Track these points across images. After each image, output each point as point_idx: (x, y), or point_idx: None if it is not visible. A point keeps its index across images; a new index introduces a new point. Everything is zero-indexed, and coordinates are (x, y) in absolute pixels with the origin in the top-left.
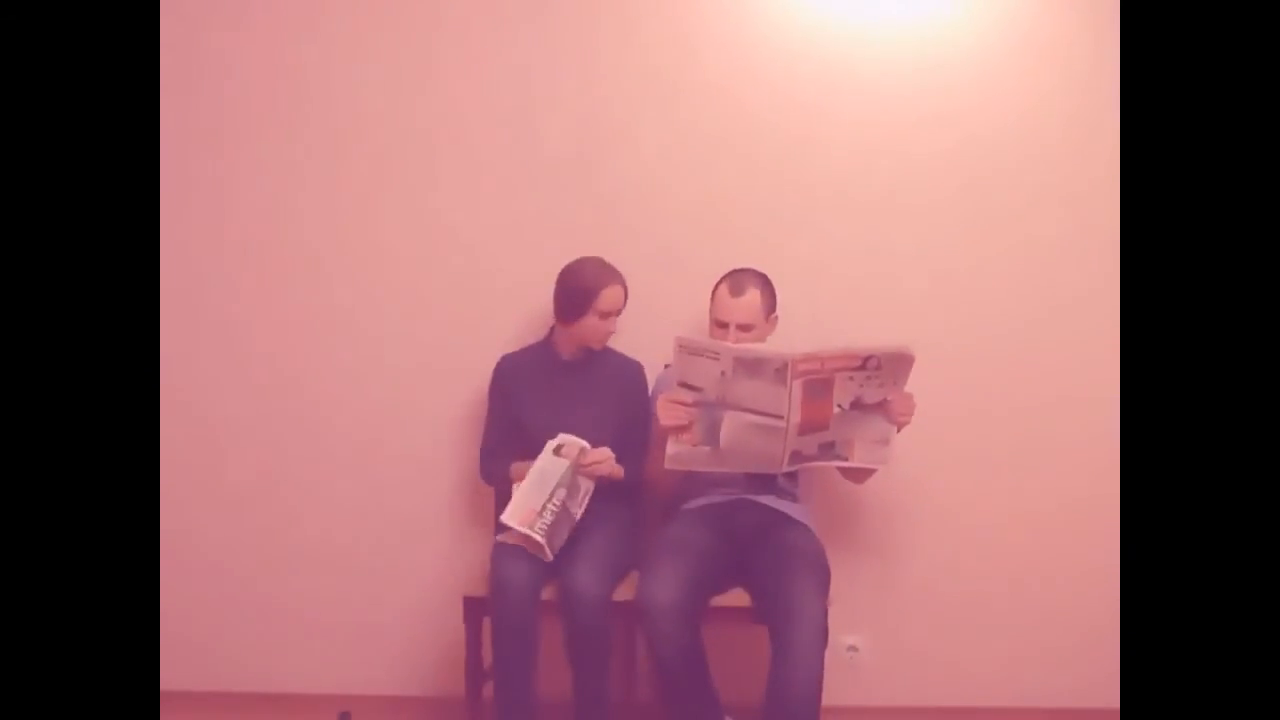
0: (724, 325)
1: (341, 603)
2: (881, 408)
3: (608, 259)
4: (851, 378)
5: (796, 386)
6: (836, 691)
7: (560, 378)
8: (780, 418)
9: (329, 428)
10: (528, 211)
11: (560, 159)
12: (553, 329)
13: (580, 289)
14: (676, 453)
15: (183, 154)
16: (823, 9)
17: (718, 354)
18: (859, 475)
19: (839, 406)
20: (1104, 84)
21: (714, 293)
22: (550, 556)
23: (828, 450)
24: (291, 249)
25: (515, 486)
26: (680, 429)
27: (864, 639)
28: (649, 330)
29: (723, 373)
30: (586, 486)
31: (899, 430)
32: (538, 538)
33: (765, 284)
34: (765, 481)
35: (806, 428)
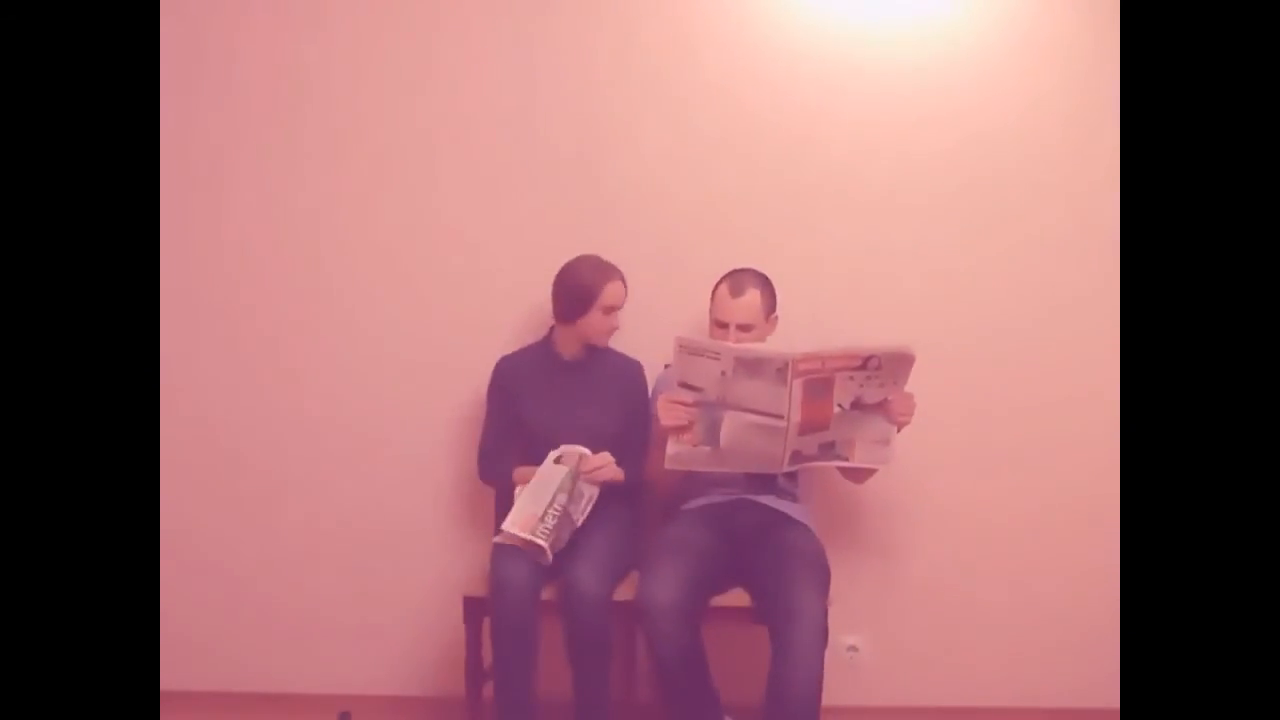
0: (724, 325)
1: (341, 603)
2: (882, 408)
3: (608, 259)
4: (852, 377)
5: (797, 386)
6: (836, 691)
7: (561, 377)
8: (780, 418)
9: (329, 427)
10: (528, 211)
11: (560, 159)
12: (552, 329)
13: (582, 286)
14: (677, 453)
15: (183, 154)
16: (823, 9)
17: (718, 354)
18: (859, 475)
19: (839, 406)
20: (1104, 84)
21: (714, 293)
22: (550, 559)
23: (828, 450)
24: (291, 249)
25: (517, 491)
26: (680, 429)
27: (864, 639)
28: (649, 330)
29: (723, 373)
30: (590, 493)
31: (899, 430)
32: (540, 541)
33: (765, 284)
34: (765, 481)
35: (807, 428)
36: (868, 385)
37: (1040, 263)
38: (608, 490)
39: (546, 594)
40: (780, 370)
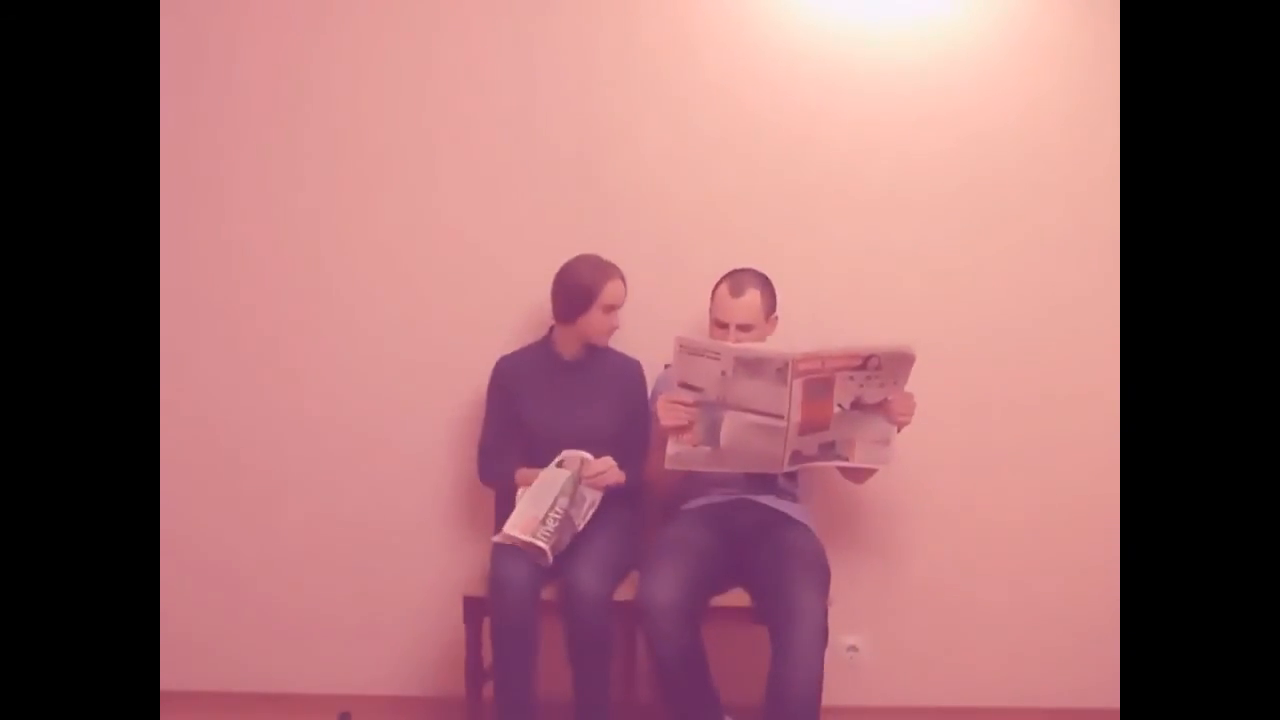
0: (724, 325)
1: (341, 603)
2: (882, 407)
3: (607, 258)
4: (852, 377)
5: (797, 386)
6: (836, 691)
7: (561, 377)
8: (781, 418)
9: (329, 427)
10: (528, 211)
11: (560, 159)
12: (552, 329)
13: (582, 286)
14: (677, 453)
15: (183, 154)
16: (823, 9)
17: (718, 354)
18: (859, 475)
19: (839, 406)
20: (1104, 83)
21: (714, 293)
22: (550, 561)
23: (828, 450)
24: (291, 248)
25: (519, 494)
26: (681, 429)
27: (864, 639)
28: (649, 330)
29: (723, 373)
30: (592, 498)
31: (899, 430)
32: (540, 544)
33: (765, 284)
34: (765, 481)
35: (807, 427)
36: (868, 385)
37: (1040, 262)
38: (608, 491)
39: (546, 594)
40: (780, 370)
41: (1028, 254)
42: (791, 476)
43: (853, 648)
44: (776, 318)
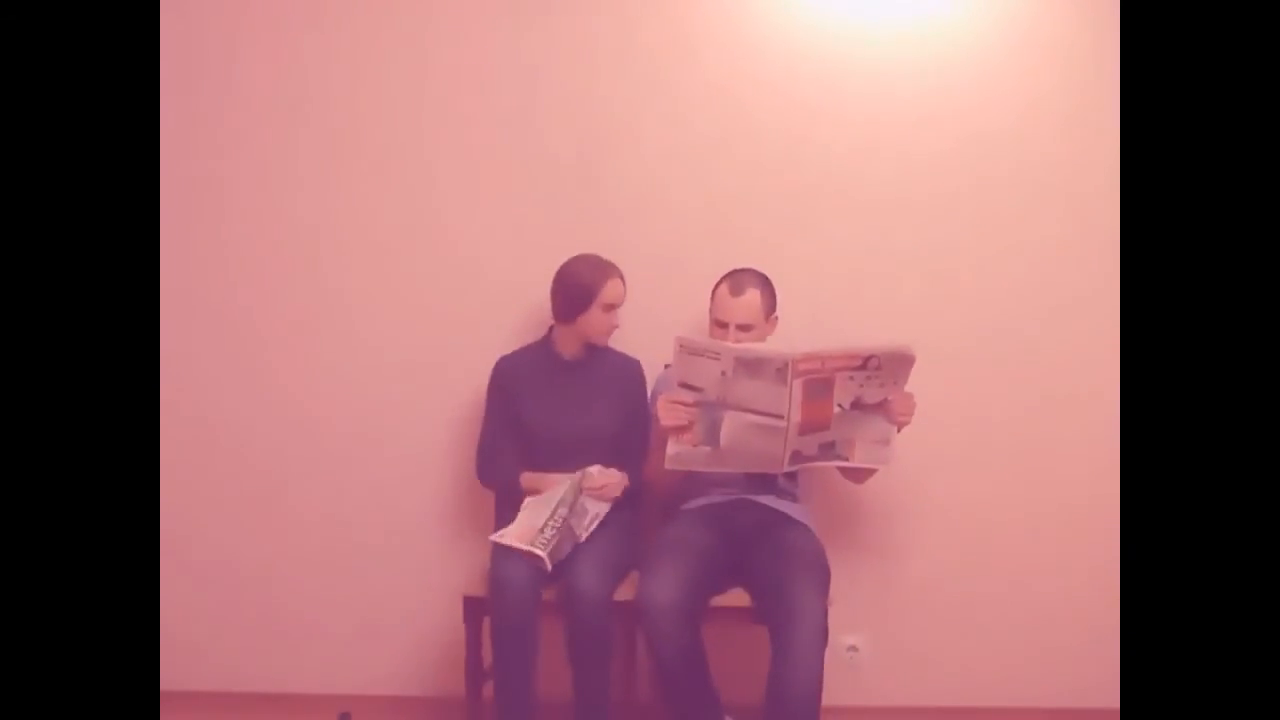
0: (724, 325)
1: (341, 603)
2: (882, 408)
3: (607, 258)
4: (852, 377)
5: (797, 386)
6: (836, 691)
7: (560, 377)
8: (781, 418)
9: (329, 427)
10: (528, 212)
11: (560, 159)
12: (551, 329)
13: (581, 285)
14: (677, 453)
15: (182, 154)
16: (823, 9)
17: (718, 354)
18: (859, 475)
19: (839, 406)
20: (1104, 84)
21: (714, 292)
22: (550, 568)
23: (828, 450)
24: (291, 249)
25: (525, 502)
26: (681, 429)
27: (864, 639)
28: (649, 330)
29: (723, 373)
30: (595, 510)
31: (899, 430)
32: (538, 552)
33: (765, 284)
34: (765, 481)
35: (807, 428)
36: (868, 385)
37: (1040, 263)
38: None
39: (547, 594)
40: (780, 370)
41: (1028, 254)
42: (791, 476)
43: (853, 648)
44: (776, 318)
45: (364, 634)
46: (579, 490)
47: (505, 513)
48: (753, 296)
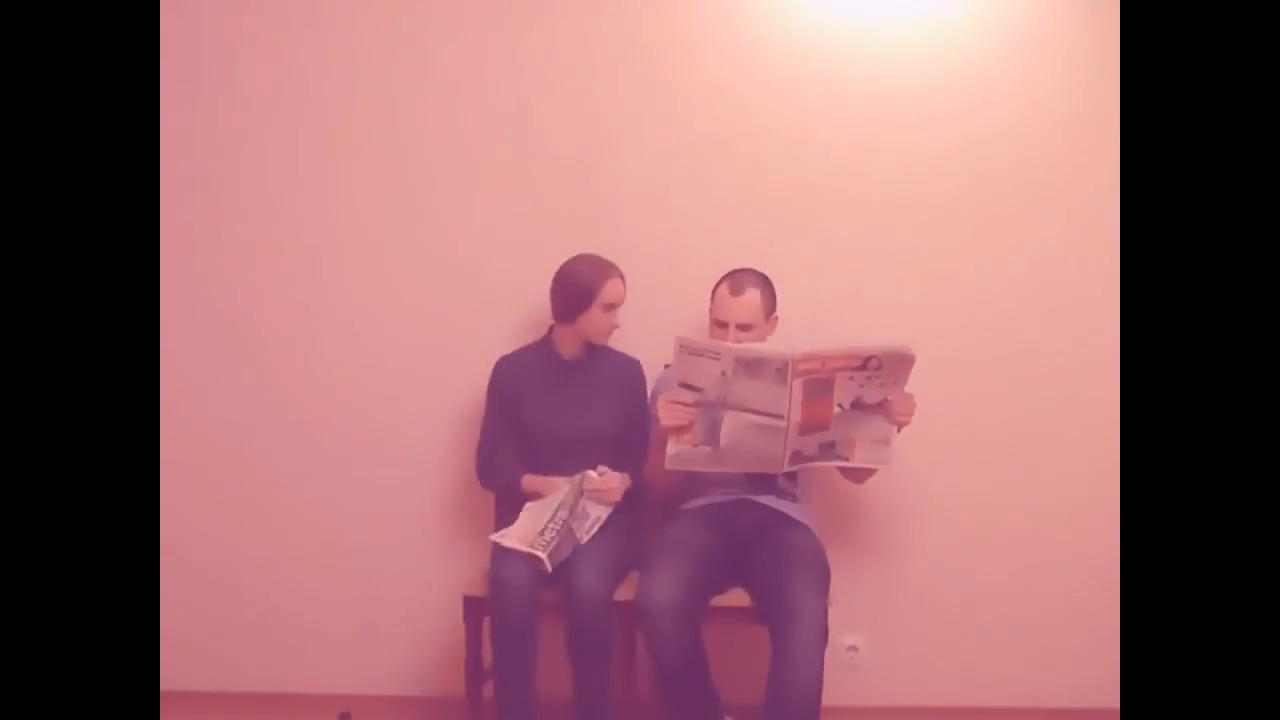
0: (724, 325)
1: (341, 603)
2: (882, 408)
3: (607, 258)
4: (852, 378)
5: (797, 386)
6: (836, 691)
7: (561, 377)
8: (781, 418)
9: (328, 428)
10: (528, 212)
11: (560, 159)
12: (551, 329)
13: (581, 285)
14: (677, 453)
15: (182, 154)
16: (823, 9)
17: (718, 354)
18: (859, 475)
19: (839, 406)
20: (1104, 84)
21: (714, 292)
22: (549, 569)
23: (828, 450)
24: (290, 249)
25: (526, 506)
26: (681, 429)
27: (864, 639)
28: (649, 330)
29: (723, 373)
30: (597, 513)
31: (899, 430)
32: (538, 553)
33: (765, 284)
34: (765, 481)
35: (807, 428)
36: (868, 385)
37: (1041, 263)
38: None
39: (547, 594)
40: (780, 370)
41: (1028, 254)
42: (791, 476)
43: (853, 648)
44: (776, 318)
45: (364, 634)
46: (580, 493)
47: (505, 513)
48: (753, 296)
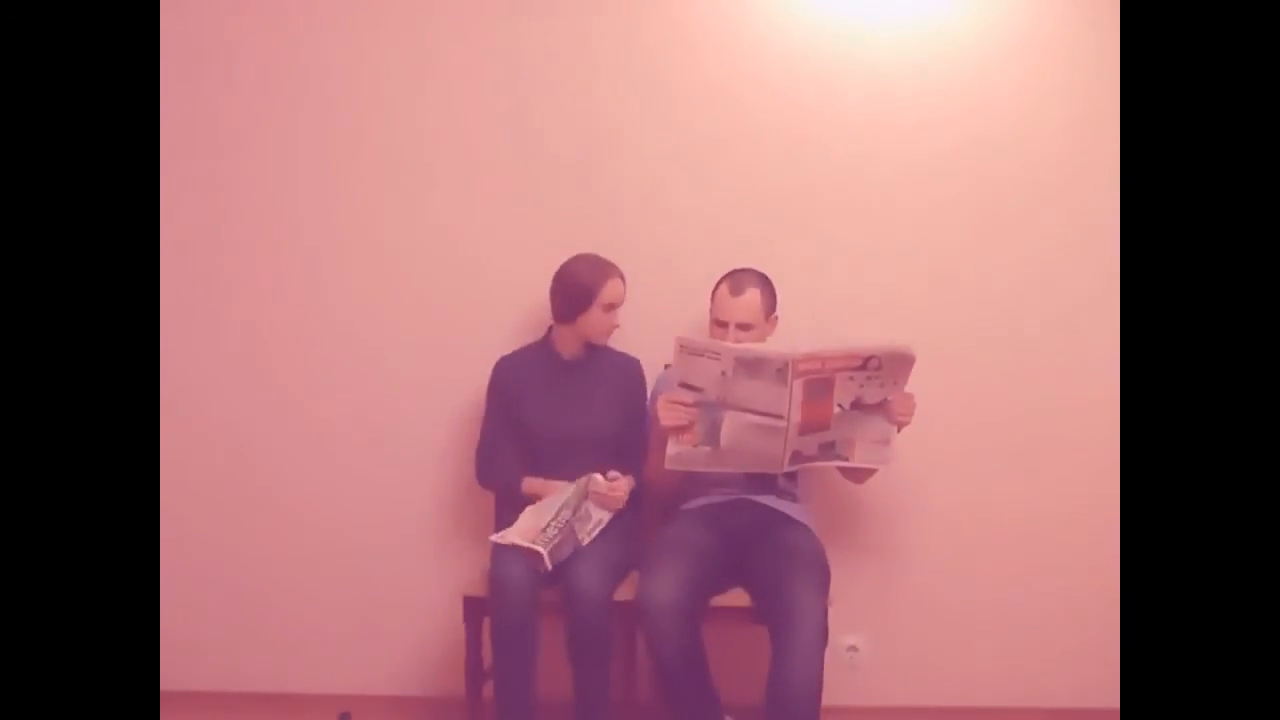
0: (724, 324)
1: (341, 603)
2: (882, 408)
3: (607, 258)
4: (852, 378)
5: (797, 386)
6: (836, 691)
7: (561, 377)
8: (781, 418)
9: (328, 428)
10: (528, 212)
11: (560, 159)
12: (550, 329)
13: (581, 285)
14: (677, 453)
15: (182, 155)
16: (823, 9)
17: (718, 354)
18: (859, 475)
19: (839, 406)
20: (1105, 85)
21: (714, 292)
22: (549, 567)
23: (828, 450)
24: (290, 249)
25: (528, 508)
26: (681, 429)
27: (864, 639)
28: (649, 330)
29: (723, 373)
30: (599, 517)
31: (899, 430)
32: (539, 548)
33: (765, 284)
34: (765, 481)
35: (807, 428)
36: (868, 385)
37: (1041, 264)
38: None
39: (547, 594)
40: (780, 370)
41: (1028, 255)
42: (791, 476)
43: (853, 648)
44: (776, 318)
45: (364, 634)
46: (584, 495)
47: (505, 514)
48: (753, 296)
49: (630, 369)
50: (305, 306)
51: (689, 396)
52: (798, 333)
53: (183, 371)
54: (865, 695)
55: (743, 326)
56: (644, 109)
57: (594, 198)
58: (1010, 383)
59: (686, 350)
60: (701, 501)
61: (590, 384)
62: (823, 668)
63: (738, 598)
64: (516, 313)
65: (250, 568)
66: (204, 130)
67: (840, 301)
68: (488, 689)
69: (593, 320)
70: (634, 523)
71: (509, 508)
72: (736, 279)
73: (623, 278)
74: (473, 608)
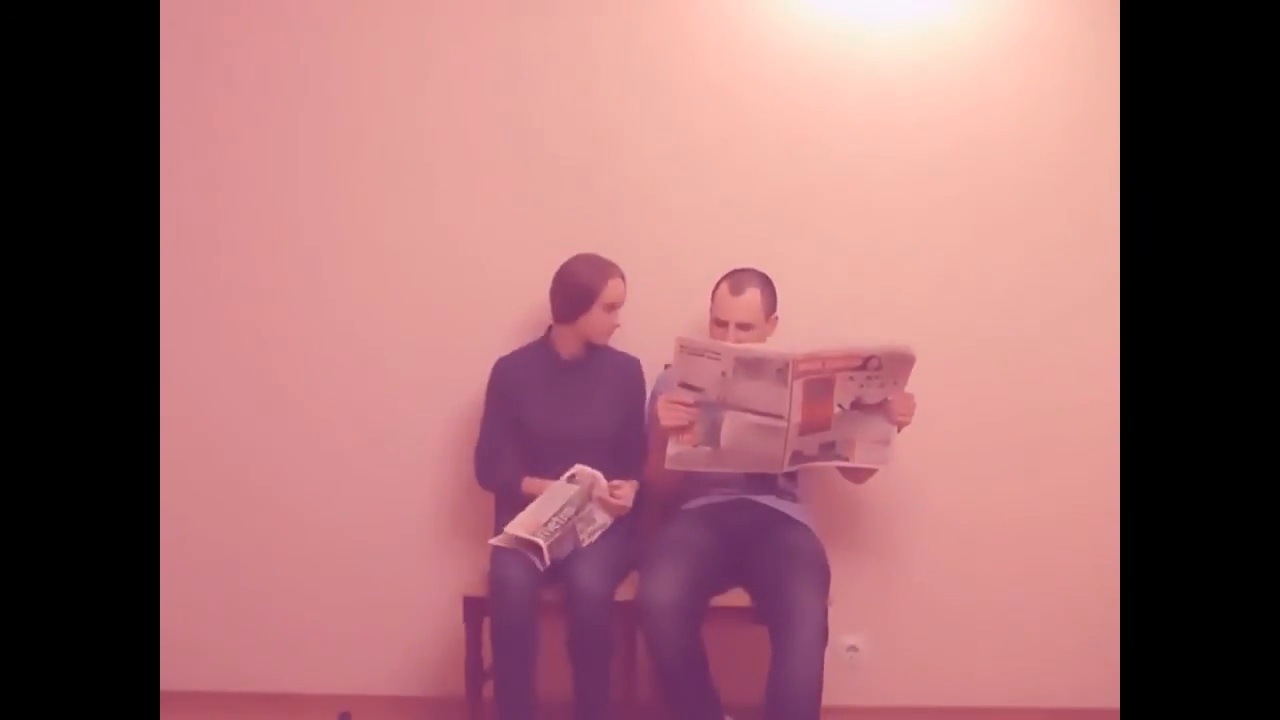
0: (724, 324)
1: (341, 603)
2: (882, 408)
3: (607, 257)
4: (852, 378)
5: (797, 387)
6: (836, 691)
7: (560, 377)
8: (781, 418)
9: (328, 428)
10: (528, 212)
11: (560, 159)
12: (550, 329)
13: (582, 285)
14: (677, 453)
15: (181, 154)
16: (822, 9)
17: (719, 354)
18: (859, 475)
19: (839, 406)
20: (1105, 85)
21: (714, 292)
22: (547, 563)
23: (828, 450)
24: (290, 249)
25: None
26: (681, 429)
27: (864, 639)
28: (649, 330)
29: (724, 373)
30: (602, 520)
31: (899, 430)
32: (539, 540)
33: (766, 283)
34: (765, 481)
35: (807, 428)
36: (868, 385)
37: (1041, 264)
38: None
39: (547, 594)
40: (780, 370)
41: (1029, 255)
42: (791, 476)
43: (853, 648)
44: (777, 318)
45: (364, 634)
46: (589, 495)
47: (505, 515)
48: (753, 296)
49: (630, 369)
50: (305, 306)
51: (689, 396)
52: (798, 333)
53: (182, 371)
54: (865, 695)
55: (743, 326)
56: (644, 109)
57: (594, 198)
58: (1010, 383)
59: (687, 350)
60: (702, 501)
61: (590, 384)
62: (823, 668)
63: (738, 598)
64: (516, 313)
65: (250, 568)
66: (204, 130)
67: (840, 301)
68: (488, 689)
69: (594, 320)
70: (634, 523)
71: (509, 508)
72: (737, 279)
73: (623, 278)
74: (473, 608)
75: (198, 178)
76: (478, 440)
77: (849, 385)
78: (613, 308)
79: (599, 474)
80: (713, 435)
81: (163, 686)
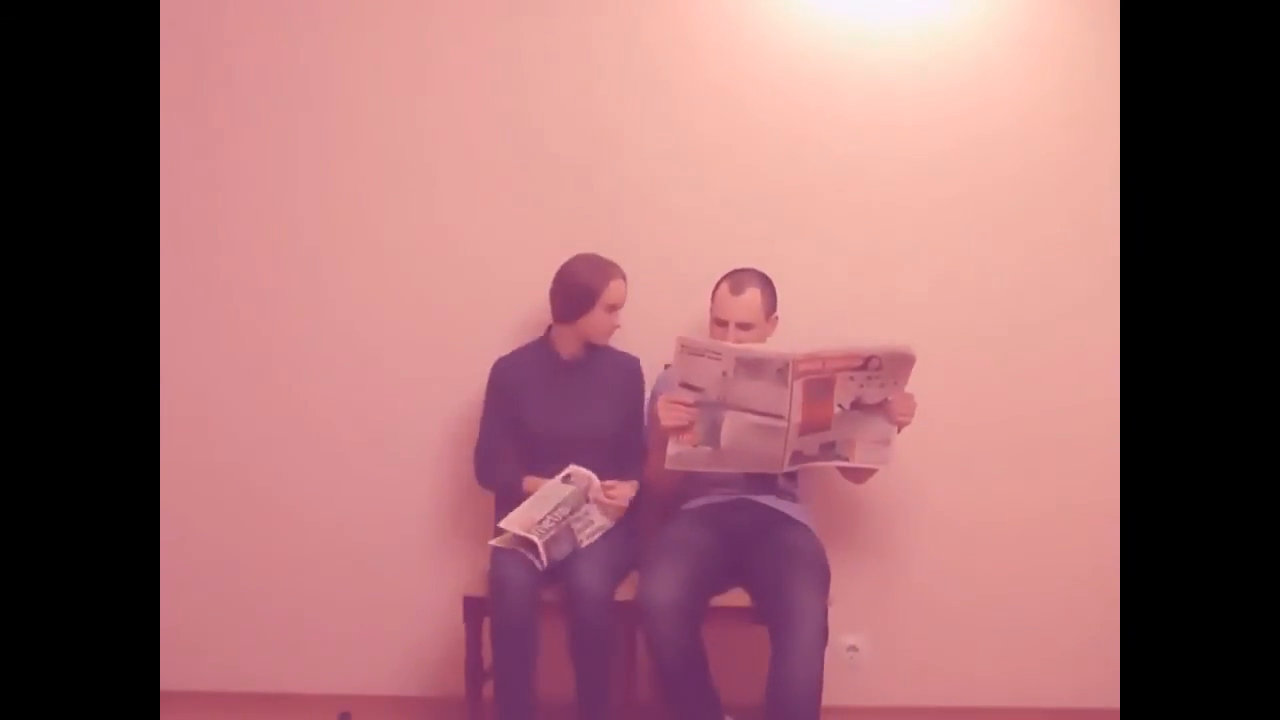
0: (724, 324)
1: (342, 603)
2: (882, 408)
3: (608, 258)
4: (852, 378)
5: (797, 387)
6: (836, 691)
7: (560, 377)
8: (781, 418)
9: (328, 428)
10: (528, 212)
11: (560, 159)
12: (549, 329)
13: (583, 286)
14: (677, 453)
15: (181, 155)
16: (823, 9)
17: (719, 354)
18: (859, 475)
19: (840, 406)
20: (1105, 85)
21: (714, 291)
22: (545, 563)
23: (828, 450)
24: (290, 249)
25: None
26: (681, 429)
27: (864, 639)
28: (649, 330)
29: (724, 373)
30: (600, 522)
31: (899, 430)
32: (534, 538)
33: (766, 283)
34: (765, 481)
35: (807, 428)
36: (868, 385)
37: (1041, 264)
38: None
39: (547, 594)
40: (781, 370)
41: (1029, 255)
42: (791, 476)
43: (853, 648)
44: (777, 317)
45: (364, 634)
46: (585, 496)
47: (505, 515)
48: (753, 295)
49: (629, 368)
50: (305, 306)
51: (689, 396)
52: (798, 333)
53: (182, 371)
54: (865, 695)
55: (743, 326)
56: (644, 109)
57: (594, 198)
58: (1010, 383)
59: (687, 350)
60: (702, 501)
61: (589, 384)
62: (823, 668)
63: (738, 598)
64: (516, 313)
65: (250, 568)
66: (204, 130)
67: (840, 302)
68: (488, 689)
69: (595, 321)
70: (634, 523)
71: (509, 508)
72: (737, 278)
73: (624, 278)
74: (473, 608)
75: (198, 178)
76: (477, 440)
77: (849, 385)
78: (614, 308)
79: (593, 475)
80: (713, 435)
81: (163, 686)
